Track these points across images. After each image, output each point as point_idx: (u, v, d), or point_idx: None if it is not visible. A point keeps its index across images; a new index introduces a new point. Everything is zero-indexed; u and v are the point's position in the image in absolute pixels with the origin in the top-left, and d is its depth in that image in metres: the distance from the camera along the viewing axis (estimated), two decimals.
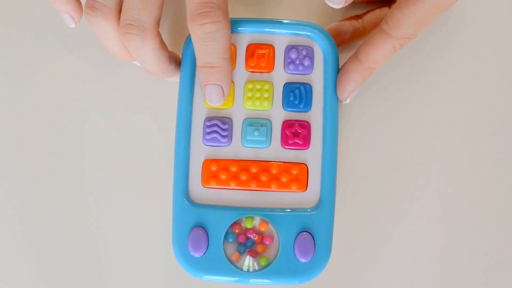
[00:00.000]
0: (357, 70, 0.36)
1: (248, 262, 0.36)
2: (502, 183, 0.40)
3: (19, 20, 0.41)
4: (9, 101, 0.41)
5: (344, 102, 0.37)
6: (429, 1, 0.34)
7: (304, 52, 0.37)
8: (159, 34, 0.35)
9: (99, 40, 0.36)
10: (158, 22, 0.34)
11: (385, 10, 0.39)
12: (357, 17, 0.40)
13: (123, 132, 0.40)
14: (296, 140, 0.36)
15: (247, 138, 0.36)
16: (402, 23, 0.34)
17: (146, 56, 0.35)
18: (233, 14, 0.38)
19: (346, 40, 0.40)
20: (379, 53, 0.35)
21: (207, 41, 0.33)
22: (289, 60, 0.37)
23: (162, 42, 0.35)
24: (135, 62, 0.38)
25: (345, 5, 0.35)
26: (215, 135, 0.36)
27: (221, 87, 0.35)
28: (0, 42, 0.41)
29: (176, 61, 0.37)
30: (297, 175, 0.36)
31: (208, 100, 0.35)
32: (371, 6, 0.40)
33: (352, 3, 0.35)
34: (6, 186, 0.40)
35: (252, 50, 0.37)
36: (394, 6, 0.35)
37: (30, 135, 0.40)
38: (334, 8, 0.36)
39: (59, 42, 0.41)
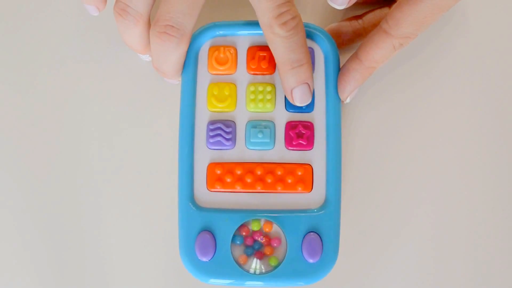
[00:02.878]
0: (357, 69, 0.36)
1: (256, 264, 0.36)
2: (506, 184, 0.40)
3: (25, 21, 0.41)
4: (12, 102, 0.40)
5: (345, 102, 0.37)
6: (430, 1, 0.34)
7: None
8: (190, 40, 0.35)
9: (120, 35, 0.36)
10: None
11: (385, 10, 0.40)
12: (357, 17, 0.40)
13: (126, 137, 0.40)
14: (300, 141, 0.36)
15: (251, 140, 0.36)
16: (402, 22, 0.34)
17: (172, 58, 0.35)
18: (234, 17, 0.39)
19: (346, 40, 0.40)
20: (379, 52, 0.36)
21: (292, 37, 0.34)
22: None
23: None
24: (143, 57, 0.38)
25: (347, 6, 0.36)
26: (219, 138, 0.36)
27: (308, 84, 0.35)
28: (5, 43, 0.41)
29: None
30: (302, 176, 0.36)
31: (297, 101, 0.35)
32: (371, 7, 0.40)
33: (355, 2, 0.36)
34: (8, 187, 0.40)
35: (253, 52, 0.37)
36: (395, 5, 0.35)
37: (32, 135, 0.40)
38: (334, 9, 0.36)
39: (64, 44, 0.41)
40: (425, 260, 0.39)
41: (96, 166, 0.40)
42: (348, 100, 0.37)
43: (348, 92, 0.37)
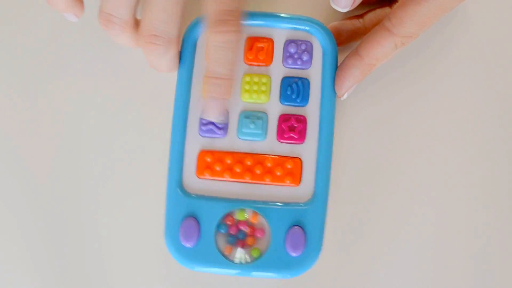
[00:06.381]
0: (357, 66, 0.36)
1: (239, 254, 0.36)
2: (503, 186, 0.39)
3: (25, 24, 0.42)
4: (12, 104, 0.41)
5: (342, 98, 0.37)
6: (434, 1, 0.34)
7: (303, 47, 0.37)
8: (179, 41, 0.35)
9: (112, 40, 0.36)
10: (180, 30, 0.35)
11: (386, 10, 0.39)
12: (358, 16, 0.40)
13: (119, 122, 0.40)
14: (292, 134, 0.36)
15: (243, 130, 0.37)
16: (405, 21, 0.34)
17: (164, 62, 0.35)
18: None
19: (347, 39, 0.39)
20: (380, 50, 0.35)
21: (225, 50, 0.33)
22: (287, 54, 0.37)
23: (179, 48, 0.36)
24: None
25: (350, 9, 0.35)
26: (211, 126, 0.37)
27: (224, 99, 0.35)
28: (6, 47, 0.42)
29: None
30: (291, 169, 0.36)
31: (208, 114, 0.35)
32: (372, 6, 0.40)
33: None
34: (5, 186, 0.40)
35: (251, 43, 0.37)
36: (398, 4, 0.35)
37: (27, 133, 0.41)
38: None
39: (62, 39, 0.42)
40: (410, 255, 0.39)
41: (87, 150, 0.40)
42: (345, 96, 0.37)
43: (346, 88, 0.37)
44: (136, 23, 0.35)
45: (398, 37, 0.35)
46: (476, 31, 0.41)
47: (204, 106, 0.35)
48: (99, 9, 0.35)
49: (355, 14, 0.40)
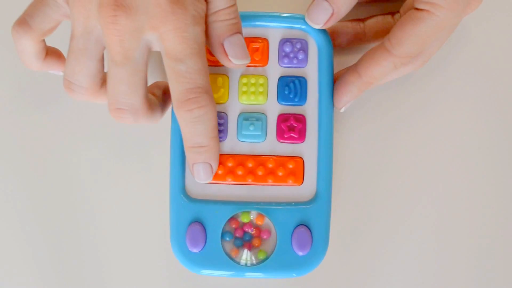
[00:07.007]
0: (354, 83, 0.36)
1: (246, 256, 0.36)
2: (503, 188, 0.40)
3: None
4: (13, 106, 0.41)
5: (340, 111, 0.38)
6: (431, 21, 0.34)
7: (298, 45, 0.37)
8: (149, 105, 0.34)
9: None
10: (147, 96, 0.34)
11: (387, 18, 0.39)
12: (359, 20, 0.40)
13: (120, 128, 0.40)
14: (292, 134, 0.36)
15: (243, 132, 0.36)
16: (404, 42, 0.35)
17: (141, 123, 0.35)
18: None
19: (346, 41, 0.39)
20: (378, 69, 0.36)
21: (195, 124, 0.33)
22: (283, 53, 0.37)
23: (153, 107, 0.35)
24: None
25: (324, 27, 0.36)
26: None
27: (210, 164, 0.35)
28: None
29: (166, 100, 0.37)
30: (293, 169, 0.36)
31: (196, 177, 0.35)
32: (374, 6, 0.40)
33: (356, 2, 0.35)
34: (6, 187, 0.40)
35: (246, 44, 0.37)
36: (397, 24, 0.35)
37: (28, 135, 0.41)
38: None
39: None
40: (414, 253, 0.39)
41: (90, 157, 0.40)
42: (342, 110, 0.37)
43: (344, 103, 0.37)
44: (103, 84, 0.34)
45: (397, 58, 0.35)
46: (476, 38, 0.41)
47: (192, 171, 0.35)
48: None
49: (357, 17, 0.40)
